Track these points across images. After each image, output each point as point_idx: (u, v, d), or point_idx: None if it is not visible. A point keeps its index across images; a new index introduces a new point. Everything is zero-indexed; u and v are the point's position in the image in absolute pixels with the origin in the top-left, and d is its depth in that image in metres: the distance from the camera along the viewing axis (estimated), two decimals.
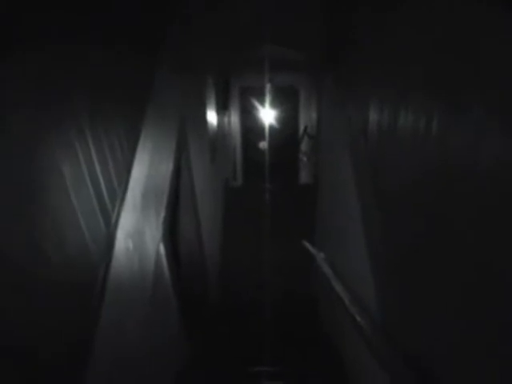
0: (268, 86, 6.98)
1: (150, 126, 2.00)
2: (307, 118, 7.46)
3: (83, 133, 1.22)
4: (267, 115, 7.47)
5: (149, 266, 1.98)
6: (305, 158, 7.53)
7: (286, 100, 7.55)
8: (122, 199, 1.54)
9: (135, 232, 1.75)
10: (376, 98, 1.92)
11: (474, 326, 0.97)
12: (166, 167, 2.47)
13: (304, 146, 7.51)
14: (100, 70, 1.41)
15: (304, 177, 7.77)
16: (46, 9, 1.03)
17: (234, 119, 7.60)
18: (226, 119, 6.62)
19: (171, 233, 2.66)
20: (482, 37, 0.95)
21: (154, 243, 2.09)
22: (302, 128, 7.55)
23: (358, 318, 1.62)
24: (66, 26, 1.15)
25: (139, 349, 1.73)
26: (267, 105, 7.38)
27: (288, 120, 7.70)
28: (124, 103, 1.67)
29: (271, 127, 7.50)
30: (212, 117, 4.88)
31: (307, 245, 3.73)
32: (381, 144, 1.85)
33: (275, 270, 4.72)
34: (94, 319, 1.20)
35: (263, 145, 7.41)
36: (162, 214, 2.34)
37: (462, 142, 1.02)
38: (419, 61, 1.37)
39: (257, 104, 7.52)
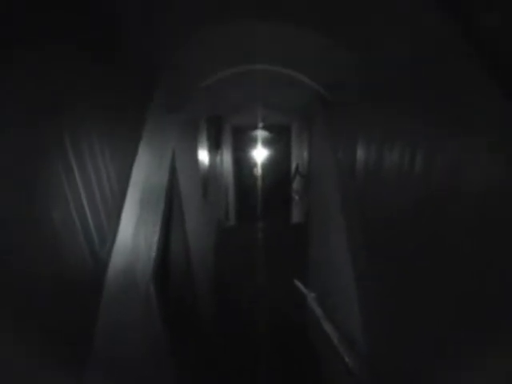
0: (260, 125, 7.14)
1: (140, 167, 2.00)
2: (299, 156, 7.55)
3: (72, 172, 1.21)
4: (260, 154, 7.59)
5: (138, 305, 1.92)
6: (297, 197, 7.57)
7: (278, 138, 7.68)
8: (113, 240, 1.52)
9: (125, 269, 1.71)
10: (363, 136, 1.96)
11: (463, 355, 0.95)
12: (157, 205, 2.46)
13: (296, 184, 7.57)
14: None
15: (296, 215, 7.76)
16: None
17: (227, 158, 7.67)
18: (218, 158, 6.68)
19: (162, 266, 2.61)
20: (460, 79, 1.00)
21: (144, 280, 2.04)
22: (294, 166, 7.64)
23: (347, 359, 1.59)
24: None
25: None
26: (259, 143, 7.51)
27: (281, 158, 7.81)
28: (115, 142, 1.67)
29: (264, 166, 7.61)
30: (204, 156, 4.93)
31: (299, 284, 3.69)
32: (368, 181, 1.88)
33: (267, 307, 4.67)
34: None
35: (256, 171, 7.59)
36: (154, 249, 2.31)
37: (444, 175, 1.04)
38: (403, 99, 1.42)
39: (249, 143, 7.64)
